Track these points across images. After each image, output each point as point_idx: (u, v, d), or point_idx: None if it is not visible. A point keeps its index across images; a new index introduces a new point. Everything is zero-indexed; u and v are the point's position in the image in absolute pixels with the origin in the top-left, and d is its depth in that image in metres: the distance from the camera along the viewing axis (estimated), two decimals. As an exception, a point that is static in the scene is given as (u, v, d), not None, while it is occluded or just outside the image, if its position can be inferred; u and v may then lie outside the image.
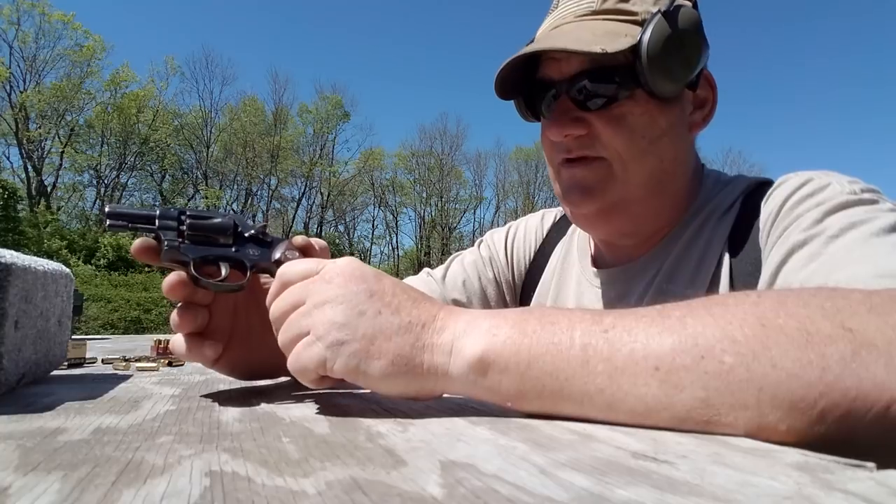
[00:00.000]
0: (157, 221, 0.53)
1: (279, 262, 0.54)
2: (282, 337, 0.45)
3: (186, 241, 0.54)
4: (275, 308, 0.47)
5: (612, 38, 0.63)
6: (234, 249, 0.55)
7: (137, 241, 0.53)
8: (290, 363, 0.44)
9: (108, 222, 0.52)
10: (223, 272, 0.55)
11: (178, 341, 0.53)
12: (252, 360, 0.59)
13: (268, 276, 0.57)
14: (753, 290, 0.54)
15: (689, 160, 0.72)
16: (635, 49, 0.62)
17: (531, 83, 0.72)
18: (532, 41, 0.73)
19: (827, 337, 0.33)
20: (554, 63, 0.68)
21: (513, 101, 0.75)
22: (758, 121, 50.19)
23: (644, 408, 0.35)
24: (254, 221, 0.57)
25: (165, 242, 0.53)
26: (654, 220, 0.72)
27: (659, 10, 0.63)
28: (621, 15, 0.65)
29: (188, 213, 0.54)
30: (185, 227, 0.54)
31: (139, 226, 0.53)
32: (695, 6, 0.67)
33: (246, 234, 0.55)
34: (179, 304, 0.53)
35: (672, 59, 0.62)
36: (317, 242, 0.58)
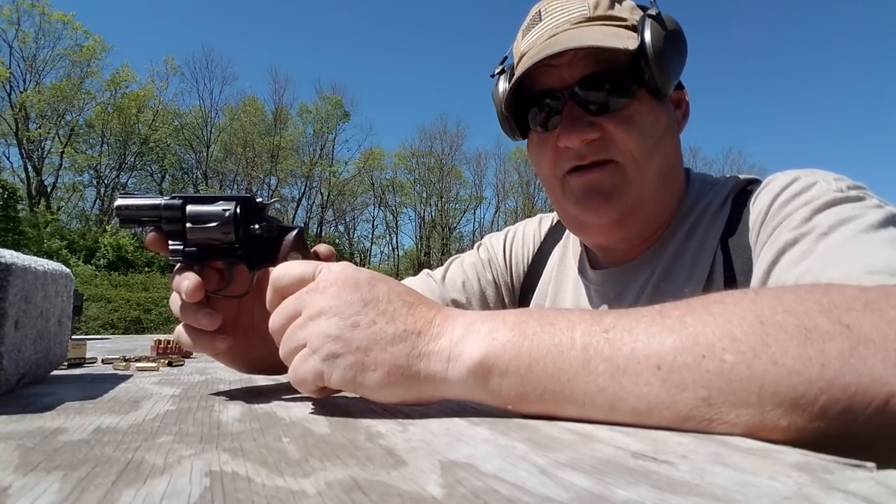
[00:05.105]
0: (162, 224, 0.54)
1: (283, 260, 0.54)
2: (282, 350, 0.46)
3: (190, 247, 0.54)
4: (273, 321, 0.47)
5: (621, 38, 0.64)
6: (238, 253, 0.55)
7: (150, 235, 0.55)
8: (290, 375, 0.44)
9: (118, 220, 0.56)
10: (227, 274, 0.56)
11: (185, 332, 0.55)
12: (253, 354, 0.60)
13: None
14: (751, 288, 0.55)
15: (681, 157, 0.74)
16: (639, 49, 0.64)
17: (519, 98, 0.71)
18: (517, 58, 0.73)
19: (825, 333, 0.33)
20: (553, 71, 0.67)
21: (502, 119, 0.75)
22: (758, 120, 50.23)
23: (646, 407, 0.35)
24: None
25: (170, 246, 0.54)
26: (658, 219, 0.72)
27: (648, 15, 0.66)
28: (613, 21, 0.67)
29: (190, 212, 0.54)
30: (187, 232, 0.54)
31: (146, 223, 0.55)
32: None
33: (250, 230, 0.55)
34: (195, 303, 0.53)
35: (669, 58, 0.65)
36: (322, 251, 0.58)
